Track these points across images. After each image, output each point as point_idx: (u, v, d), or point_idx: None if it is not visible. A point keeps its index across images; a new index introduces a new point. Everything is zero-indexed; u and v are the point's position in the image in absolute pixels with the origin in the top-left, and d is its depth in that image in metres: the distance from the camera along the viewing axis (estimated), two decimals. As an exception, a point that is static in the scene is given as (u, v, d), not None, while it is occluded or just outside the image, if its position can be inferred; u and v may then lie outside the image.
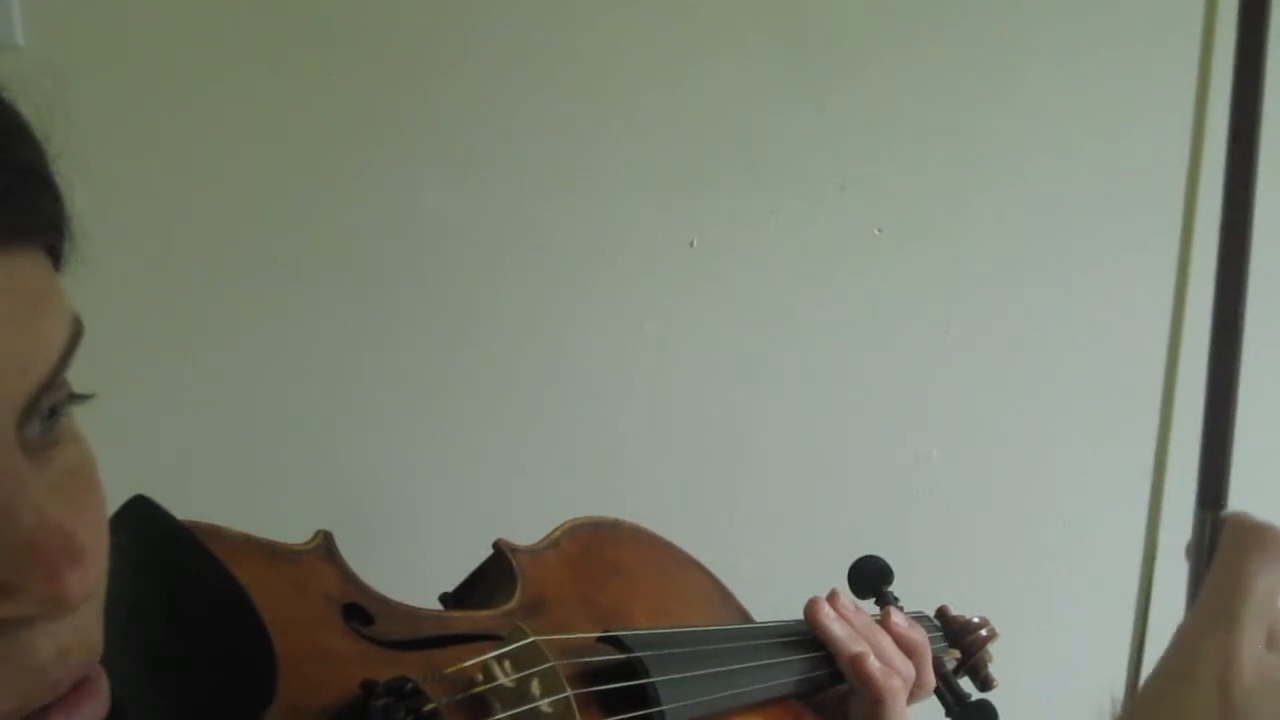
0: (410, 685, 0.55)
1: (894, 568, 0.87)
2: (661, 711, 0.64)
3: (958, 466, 1.36)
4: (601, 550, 0.78)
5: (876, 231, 1.30)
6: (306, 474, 1.25)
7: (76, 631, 0.35)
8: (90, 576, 0.33)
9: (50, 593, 0.32)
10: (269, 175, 1.19)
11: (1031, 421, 1.37)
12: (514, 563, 0.71)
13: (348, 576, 0.63)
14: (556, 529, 0.77)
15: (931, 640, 0.82)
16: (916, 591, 0.90)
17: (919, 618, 0.86)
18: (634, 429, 1.31)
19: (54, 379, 0.34)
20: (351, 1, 1.19)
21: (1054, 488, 1.37)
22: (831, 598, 0.79)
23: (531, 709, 0.58)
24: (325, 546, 0.63)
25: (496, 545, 0.72)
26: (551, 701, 0.58)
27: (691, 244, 1.28)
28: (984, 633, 0.91)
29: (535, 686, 0.58)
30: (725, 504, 1.33)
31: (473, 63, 1.21)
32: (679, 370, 1.30)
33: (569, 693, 0.58)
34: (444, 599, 0.72)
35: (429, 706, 0.54)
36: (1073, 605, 1.39)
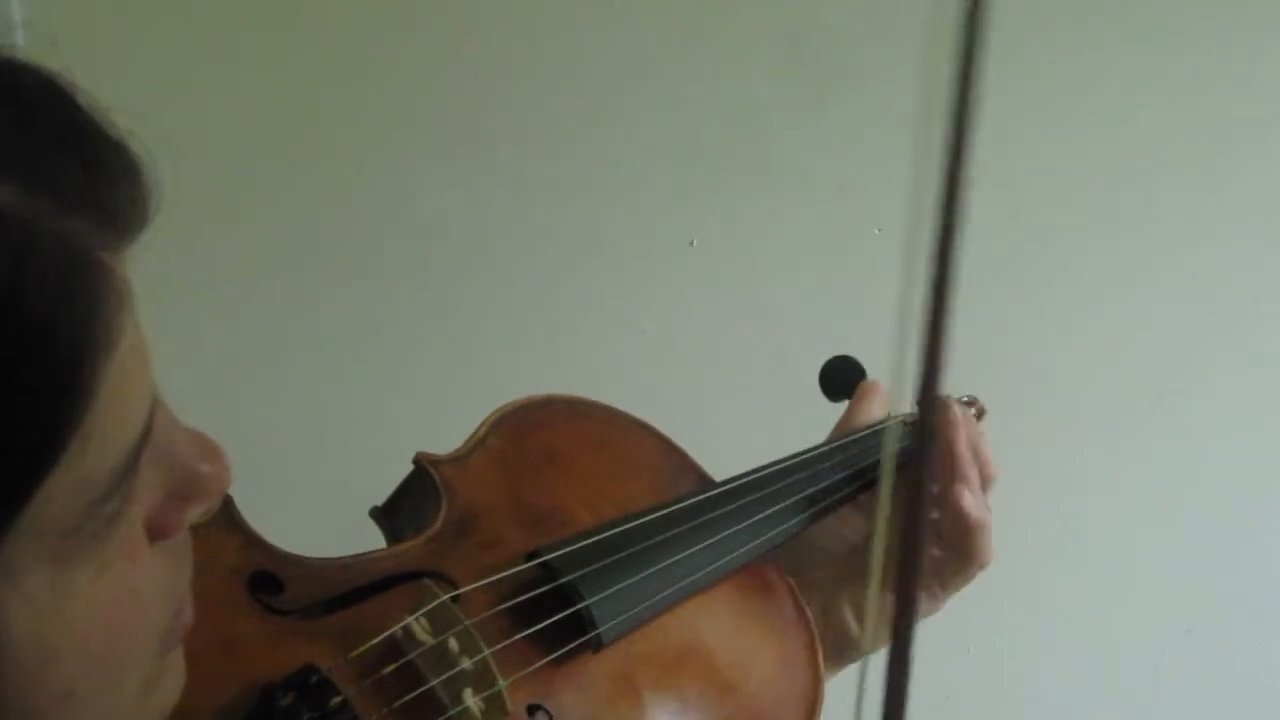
0: (315, 678, 0.51)
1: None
2: (598, 634, 0.60)
3: (957, 466, 1.36)
4: (533, 437, 0.72)
5: (876, 231, 1.30)
6: (300, 473, 1.25)
7: None
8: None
9: (221, 487, 0.42)
10: (269, 175, 1.19)
11: (1031, 421, 1.36)
12: (437, 477, 0.66)
13: (251, 541, 0.57)
14: (482, 423, 0.70)
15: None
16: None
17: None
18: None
19: None
20: (352, 1, 1.19)
21: (1053, 487, 1.37)
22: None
23: (456, 674, 0.54)
24: (225, 514, 0.57)
25: (416, 460, 0.67)
26: (474, 661, 0.55)
27: (691, 244, 1.28)
28: (973, 411, 0.88)
29: (454, 645, 0.55)
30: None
31: (473, 63, 1.20)
32: (679, 370, 1.30)
33: (486, 652, 0.55)
34: (373, 513, 0.69)
35: (336, 700, 0.51)
36: (1071, 606, 1.39)
